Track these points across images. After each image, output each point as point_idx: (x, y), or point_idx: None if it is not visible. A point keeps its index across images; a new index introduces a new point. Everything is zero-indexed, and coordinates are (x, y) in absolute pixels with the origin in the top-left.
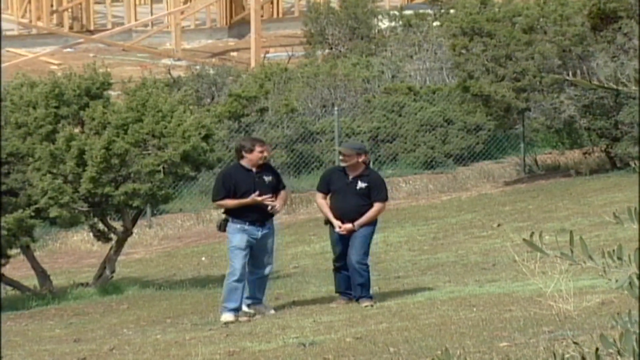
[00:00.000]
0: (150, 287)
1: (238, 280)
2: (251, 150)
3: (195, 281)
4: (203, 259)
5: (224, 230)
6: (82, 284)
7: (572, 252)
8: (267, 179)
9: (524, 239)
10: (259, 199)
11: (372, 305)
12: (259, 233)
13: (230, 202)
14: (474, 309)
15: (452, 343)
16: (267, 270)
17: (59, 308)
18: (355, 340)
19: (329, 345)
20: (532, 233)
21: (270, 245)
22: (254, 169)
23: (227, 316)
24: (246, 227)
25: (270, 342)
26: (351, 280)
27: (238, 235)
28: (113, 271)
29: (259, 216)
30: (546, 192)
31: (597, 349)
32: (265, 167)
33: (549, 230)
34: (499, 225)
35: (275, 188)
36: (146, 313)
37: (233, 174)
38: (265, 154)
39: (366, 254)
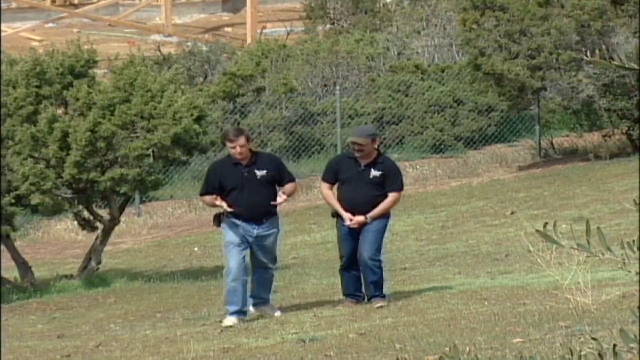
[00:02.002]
0: (139, 279)
1: (235, 280)
2: (224, 145)
3: (187, 273)
4: (195, 249)
5: (219, 225)
6: (66, 276)
7: (588, 242)
8: (260, 173)
9: (537, 230)
10: (218, 203)
11: (385, 306)
12: (254, 231)
13: (208, 200)
14: (486, 303)
15: (462, 339)
16: (269, 272)
17: (42, 302)
18: (358, 336)
19: (330, 342)
20: (546, 223)
21: (270, 245)
22: (243, 163)
23: (227, 320)
24: (239, 222)
25: (268, 338)
26: (362, 278)
27: (231, 231)
28: (99, 262)
29: (253, 213)
30: (563, 178)
31: (614, 345)
32: (259, 159)
33: (565, 219)
34: (512, 213)
35: (274, 182)
36: (135, 307)
37: (219, 169)
38: (238, 149)
39: (379, 249)
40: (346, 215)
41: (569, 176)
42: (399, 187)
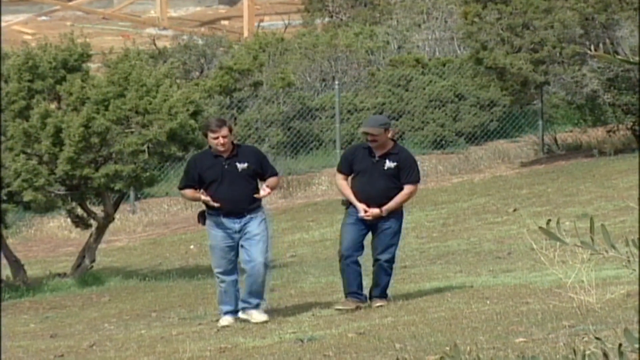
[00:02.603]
0: (134, 277)
1: (223, 282)
2: (205, 135)
3: (183, 271)
4: (192, 247)
5: (204, 224)
6: (59, 275)
7: (593, 240)
8: (241, 166)
9: (540, 227)
10: (204, 198)
11: (384, 305)
12: (236, 225)
13: (188, 194)
14: (488, 302)
15: (464, 338)
16: (255, 268)
17: (34, 301)
18: (357, 335)
19: (329, 341)
20: (549, 220)
21: (257, 232)
22: (224, 155)
23: (223, 320)
24: (221, 219)
25: (265, 338)
26: (373, 277)
27: (213, 232)
28: (93, 260)
29: (234, 207)
30: (566, 174)
31: (620, 345)
32: (241, 151)
33: (569, 216)
34: (514, 210)
35: (256, 176)
36: (129, 306)
37: (198, 161)
38: (220, 140)
39: (395, 249)
40: (361, 207)
41: (573, 172)
42: (415, 179)
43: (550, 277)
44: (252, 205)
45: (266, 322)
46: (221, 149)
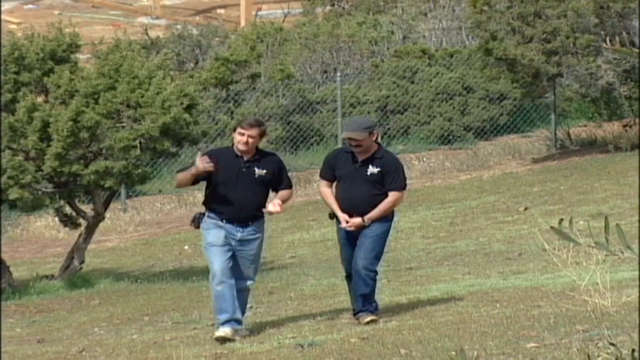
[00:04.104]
0: (125, 279)
1: (221, 283)
2: (234, 129)
3: (176, 273)
4: (186, 247)
5: (198, 227)
6: (46, 277)
7: (607, 240)
8: (260, 172)
9: (552, 227)
10: (203, 164)
11: (375, 320)
12: (238, 234)
13: (181, 175)
14: (497, 305)
15: (472, 343)
16: (247, 283)
17: (20, 304)
18: (360, 340)
19: (330, 347)
20: (562, 219)
21: (254, 253)
22: (244, 156)
23: (221, 331)
24: (222, 224)
25: (264, 343)
26: (354, 288)
27: (213, 231)
28: (82, 262)
29: (240, 214)
30: (580, 171)
31: (633, 350)
32: (263, 157)
33: (583, 215)
34: (526, 208)
35: (269, 185)
36: (120, 310)
37: (216, 156)
38: (245, 138)
39: (377, 258)
40: (342, 217)
41: (587, 169)
42: (400, 186)
43: (563, 279)
44: (257, 212)
45: (244, 336)
46: (241, 147)
